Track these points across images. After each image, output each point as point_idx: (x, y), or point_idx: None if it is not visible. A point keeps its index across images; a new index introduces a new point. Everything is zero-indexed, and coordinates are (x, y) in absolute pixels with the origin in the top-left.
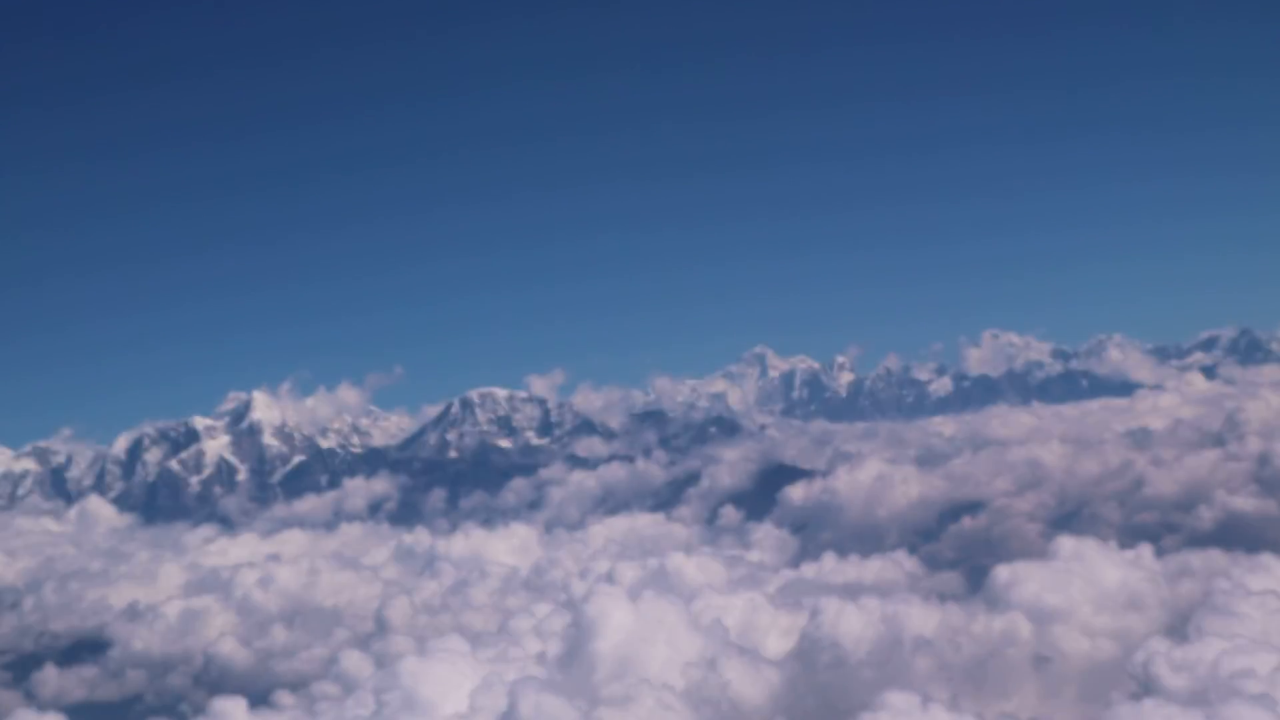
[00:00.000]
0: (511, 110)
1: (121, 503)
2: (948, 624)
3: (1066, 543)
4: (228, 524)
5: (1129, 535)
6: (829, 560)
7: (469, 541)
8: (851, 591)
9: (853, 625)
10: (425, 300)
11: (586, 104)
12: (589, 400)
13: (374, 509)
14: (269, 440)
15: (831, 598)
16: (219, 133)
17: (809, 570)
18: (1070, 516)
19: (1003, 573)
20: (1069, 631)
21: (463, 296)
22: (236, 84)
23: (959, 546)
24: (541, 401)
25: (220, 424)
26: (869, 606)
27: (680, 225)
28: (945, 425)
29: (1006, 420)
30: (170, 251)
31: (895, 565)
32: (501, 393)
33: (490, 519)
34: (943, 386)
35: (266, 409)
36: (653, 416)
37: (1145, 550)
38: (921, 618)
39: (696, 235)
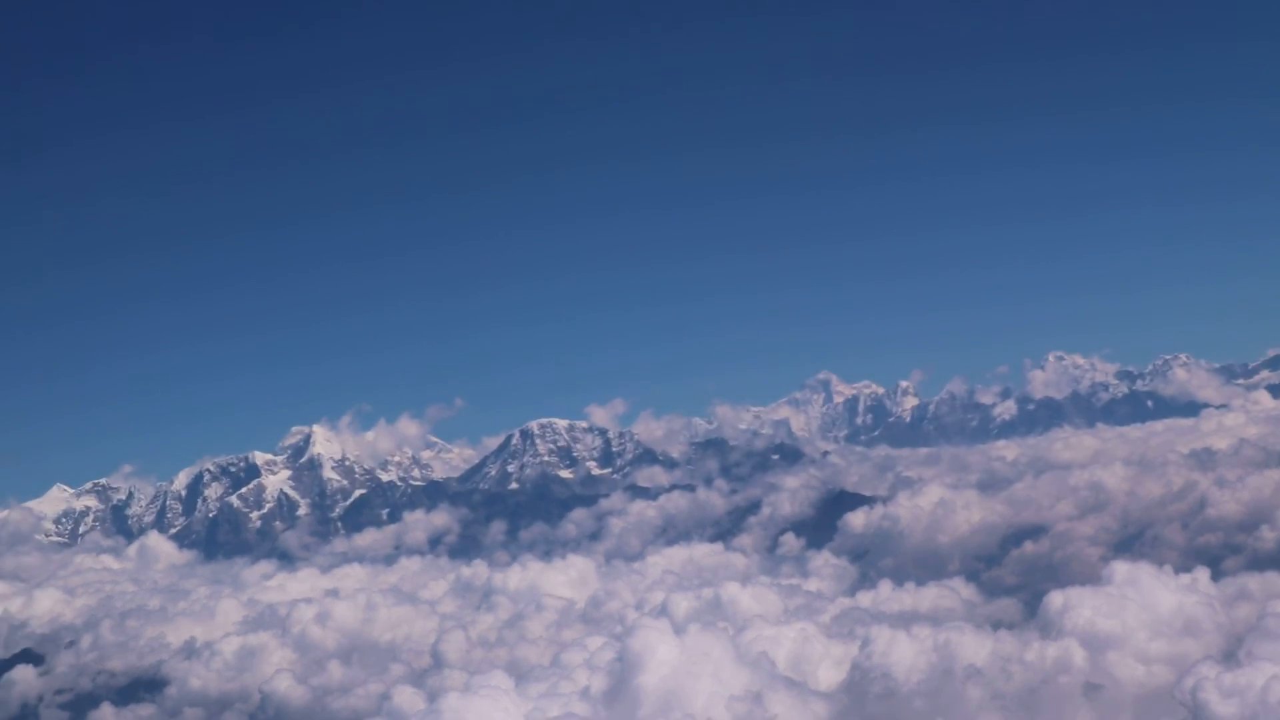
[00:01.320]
0: (572, 138)
1: (182, 539)
2: (1000, 652)
3: (1121, 567)
4: (289, 559)
5: (1191, 557)
6: (885, 588)
7: (526, 574)
8: (907, 620)
9: (904, 654)
10: (485, 331)
11: (647, 130)
12: (650, 429)
13: (434, 542)
14: (329, 474)
15: (883, 627)
16: (278, 163)
17: (865, 599)
18: (1132, 540)
19: (1056, 599)
20: (1123, 658)
21: (523, 327)
22: (288, 114)
23: (1021, 572)
24: (602, 431)
25: (281, 459)
26: (921, 635)
27: (742, 252)
28: (1008, 449)
29: (1070, 443)
30: (228, 285)
31: (952, 592)
32: (562, 423)
33: (551, 550)
34: (1007, 410)
35: (327, 443)
36: (714, 445)
37: (1202, 574)
38: (974, 646)
39: (758, 262)
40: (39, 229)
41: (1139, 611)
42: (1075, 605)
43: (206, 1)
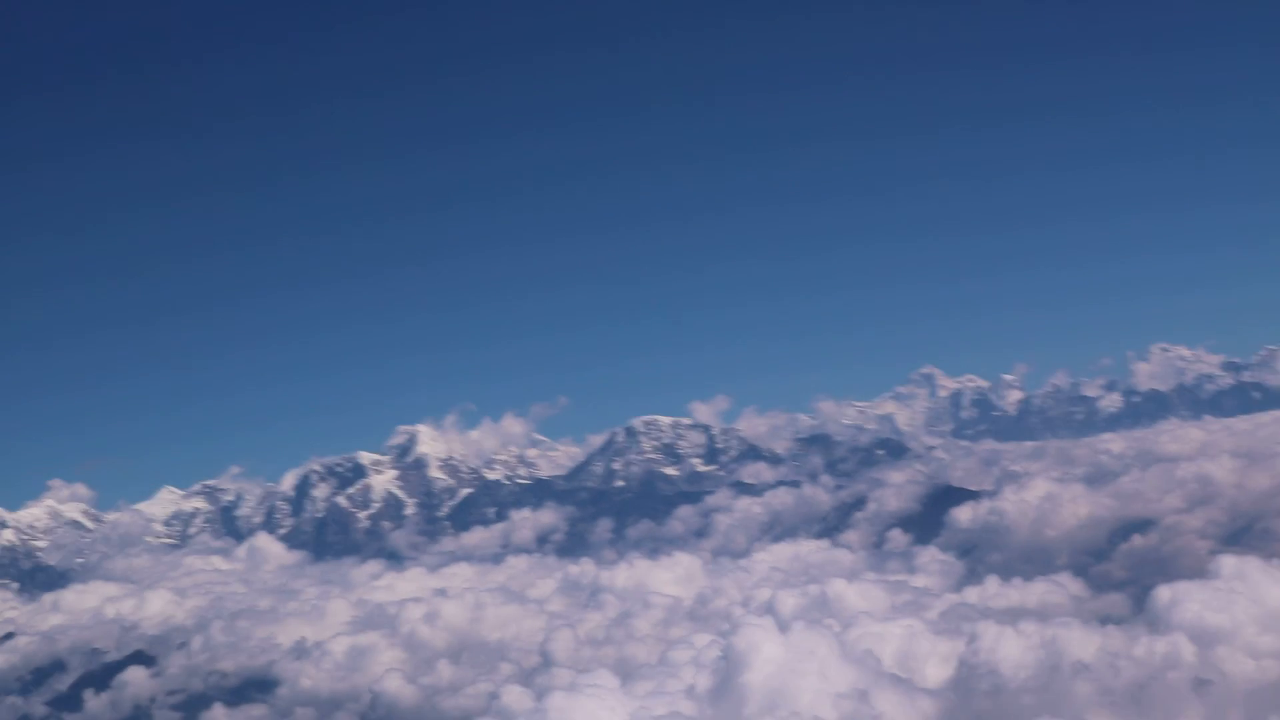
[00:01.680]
0: (675, 134)
1: (290, 540)
2: (1108, 647)
3: (1229, 561)
4: (396, 559)
5: None
6: (992, 584)
7: (633, 572)
8: (1014, 616)
9: (1011, 651)
10: (589, 328)
11: (750, 126)
12: (753, 425)
13: (541, 540)
14: (435, 474)
15: (990, 623)
16: (371, 157)
17: (972, 595)
18: (1242, 532)
19: (1164, 593)
20: (1233, 653)
21: (626, 324)
22: (375, 108)
23: (1129, 566)
24: (706, 428)
25: (387, 459)
26: (1028, 631)
27: (844, 248)
28: (1114, 442)
29: (1176, 435)
30: (332, 284)
31: (1059, 588)
32: (666, 420)
33: (657, 548)
34: (1112, 402)
35: (432, 442)
36: (818, 440)
37: None
38: (1082, 641)
39: (861, 257)
40: (142, 224)
41: (1248, 605)
42: (1183, 600)
43: None
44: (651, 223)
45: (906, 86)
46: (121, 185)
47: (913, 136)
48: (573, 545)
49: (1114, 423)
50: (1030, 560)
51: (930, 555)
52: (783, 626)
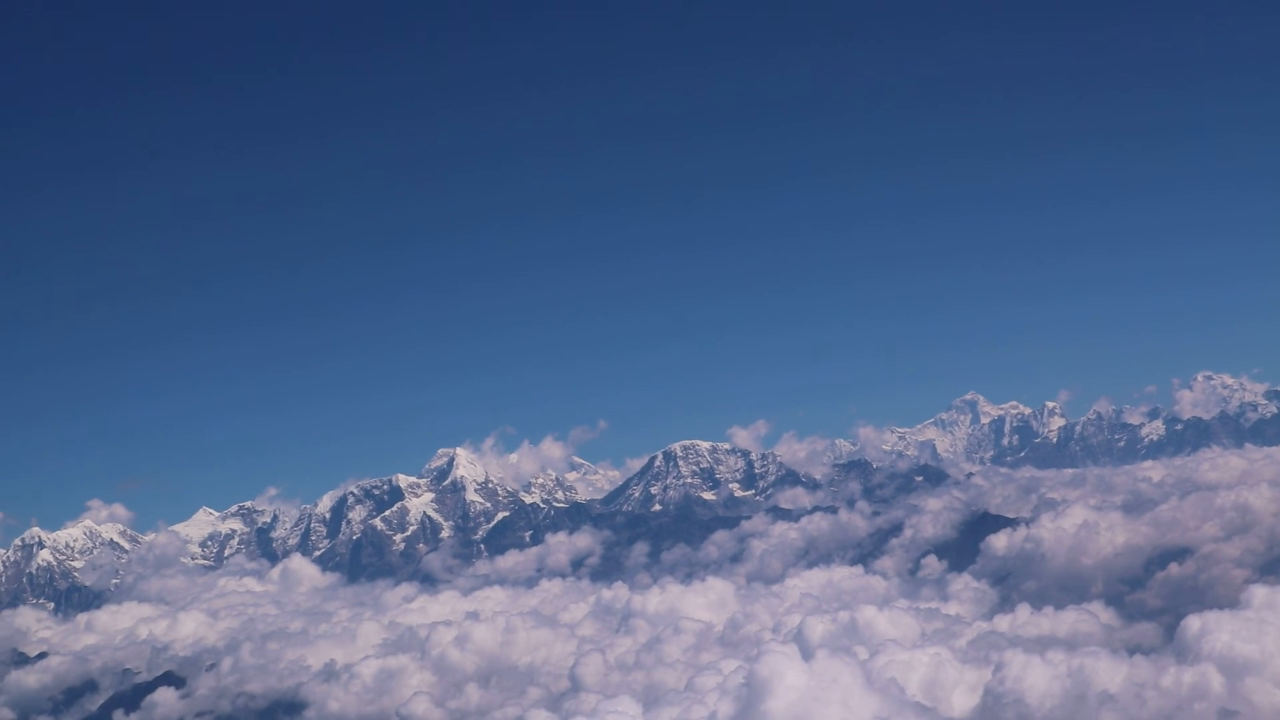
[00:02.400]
0: (711, 164)
1: (326, 561)
2: (1135, 677)
3: (1260, 591)
4: (431, 581)
5: None
6: (1023, 612)
7: (665, 597)
8: (1045, 645)
9: (1038, 680)
10: (629, 353)
11: (788, 157)
12: (793, 451)
13: (577, 564)
14: (472, 497)
15: (1017, 652)
16: (414, 182)
17: (1003, 623)
18: (1278, 562)
19: (1193, 623)
20: (1261, 684)
21: (666, 349)
22: (422, 132)
23: (1165, 595)
24: (745, 453)
25: (424, 481)
26: (1055, 660)
27: (890, 274)
28: (1154, 470)
29: (1217, 464)
30: (370, 306)
31: (1090, 616)
32: (705, 445)
33: (692, 573)
34: (1155, 430)
35: (470, 465)
36: (857, 466)
37: None
38: (1109, 671)
39: (907, 284)
40: (180, 245)
41: (1278, 636)
42: (1213, 630)
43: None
44: (694, 248)
45: (950, 113)
46: (158, 205)
47: (959, 163)
48: (608, 569)
49: (1156, 450)
50: (1065, 588)
51: (964, 583)
52: (811, 653)
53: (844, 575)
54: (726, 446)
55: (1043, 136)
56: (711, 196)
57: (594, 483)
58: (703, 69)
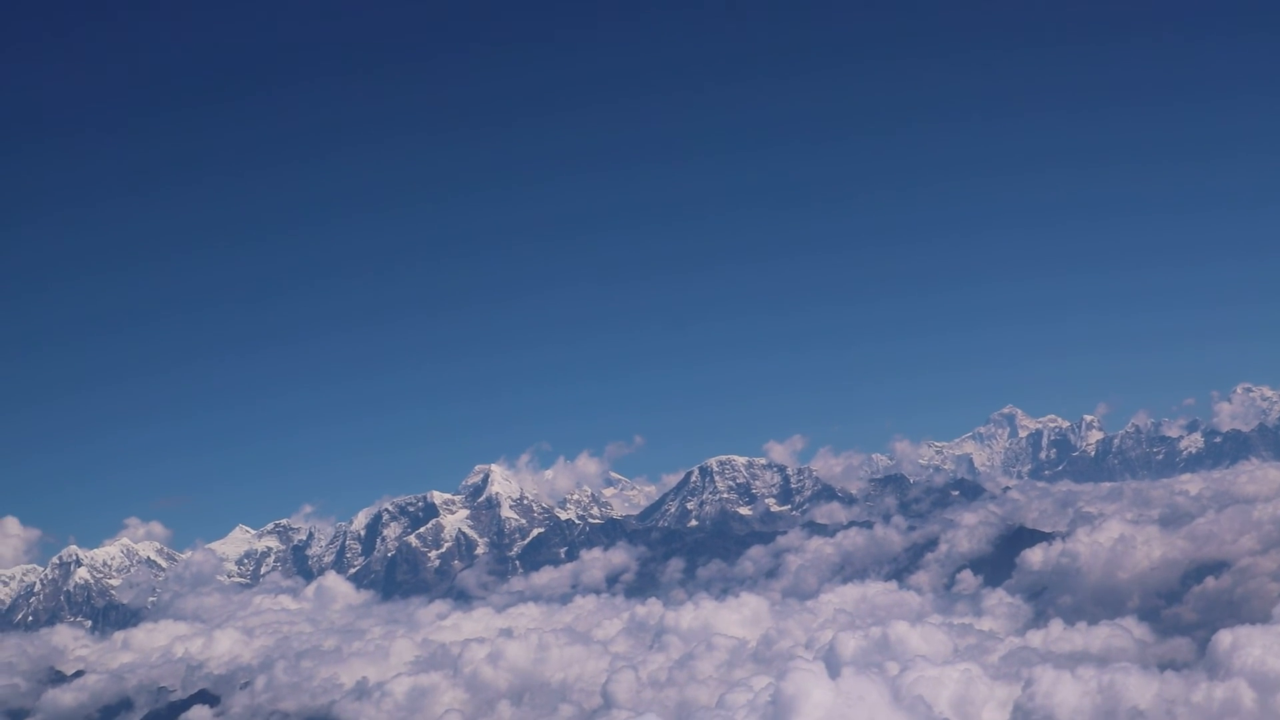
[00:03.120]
0: (754, 180)
1: (361, 578)
2: (1166, 693)
3: None
4: (466, 598)
5: None
6: (1055, 628)
7: (699, 613)
8: (1077, 660)
9: (1068, 696)
10: (665, 368)
11: (822, 172)
12: (829, 466)
13: (612, 581)
14: (507, 513)
15: (1047, 667)
16: (444, 196)
17: (1035, 638)
18: None
19: (1225, 638)
20: None
21: (703, 364)
22: (445, 147)
23: (1202, 609)
24: (781, 468)
25: (459, 498)
26: (1085, 676)
27: (929, 290)
28: (1192, 483)
29: (1255, 476)
30: (405, 321)
31: (1124, 632)
32: (741, 460)
33: (728, 588)
34: (1193, 443)
35: (505, 482)
36: (893, 481)
37: None
38: (1139, 687)
39: (946, 299)
40: (213, 265)
41: None
42: (1244, 644)
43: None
44: (733, 264)
45: (983, 128)
46: (190, 222)
47: (998, 178)
48: (643, 585)
49: (1194, 463)
50: (1101, 603)
51: (998, 598)
52: (842, 669)
53: (878, 590)
54: (762, 462)
55: (1082, 150)
56: (748, 213)
57: (631, 498)
58: (741, 85)
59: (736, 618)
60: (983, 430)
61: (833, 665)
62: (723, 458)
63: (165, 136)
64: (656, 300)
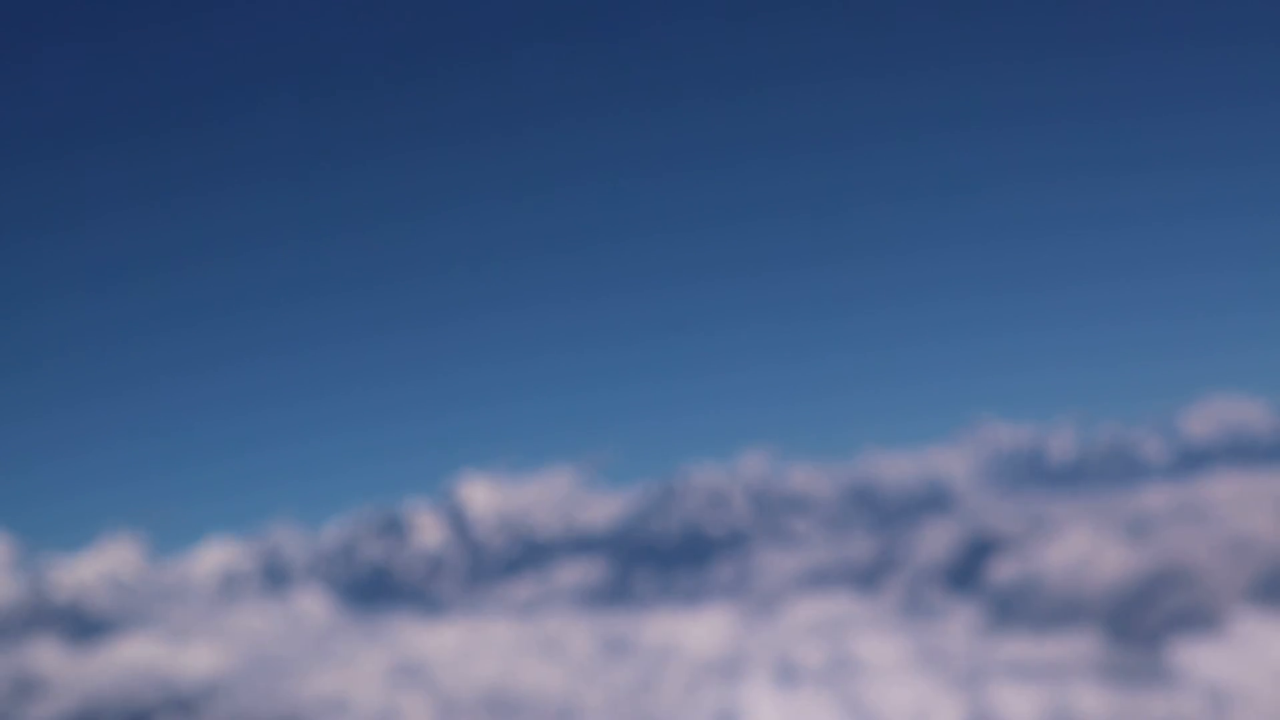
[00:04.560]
0: (723, 193)
1: (335, 590)
2: (1117, 705)
3: (1246, 617)
4: (439, 610)
5: None
6: (1014, 639)
7: (665, 625)
8: (1034, 672)
9: (1019, 708)
10: (637, 380)
11: (798, 188)
12: (799, 476)
13: (583, 592)
14: (481, 524)
15: (999, 679)
16: (418, 213)
17: (995, 650)
18: (1279, 587)
19: (1178, 650)
20: (1246, 713)
21: (675, 375)
22: (422, 163)
23: (1162, 620)
24: (752, 478)
25: (432, 509)
26: (1036, 689)
27: (895, 299)
28: (1159, 494)
29: (1223, 487)
30: (383, 335)
31: (1084, 643)
32: (712, 469)
33: (698, 599)
34: (1161, 453)
35: (480, 491)
36: (862, 491)
37: None
38: (1090, 699)
39: (916, 308)
40: (194, 278)
41: (1265, 663)
42: (1198, 657)
43: None
44: (705, 276)
45: (955, 139)
46: (159, 242)
47: (971, 189)
48: (614, 597)
49: (1164, 474)
50: (1064, 614)
51: (962, 609)
52: (800, 682)
53: (842, 602)
54: (734, 471)
55: (1049, 162)
56: (718, 225)
57: (604, 508)
58: (714, 98)
59: (702, 630)
60: (954, 440)
61: (792, 677)
62: (694, 467)
63: (132, 156)
64: (630, 310)
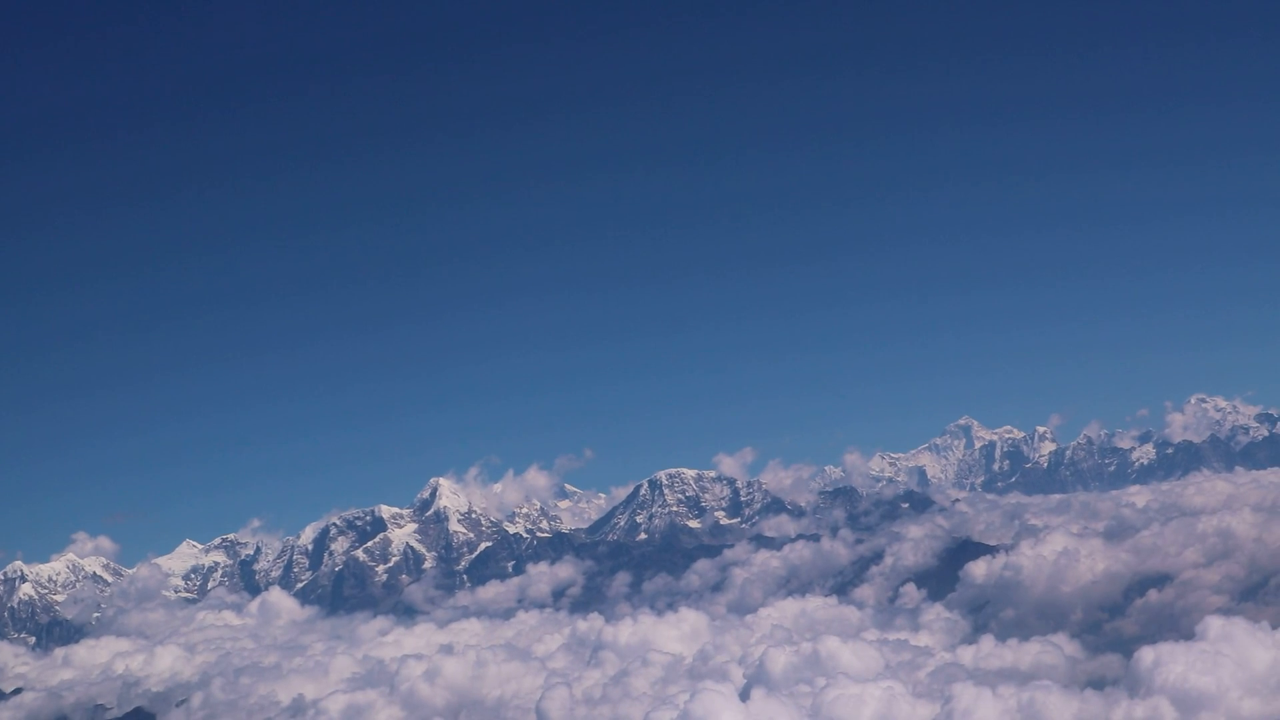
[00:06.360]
0: (704, 189)
1: (308, 593)
2: (1086, 712)
3: (1215, 623)
4: (412, 613)
5: None
6: (987, 644)
7: (638, 628)
8: (1005, 677)
9: (987, 714)
10: (614, 382)
11: (773, 186)
12: (779, 479)
13: (558, 595)
14: (455, 527)
15: (967, 685)
16: (398, 210)
17: (965, 655)
18: (1257, 588)
19: (1147, 655)
20: (1214, 718)
21: (652, 377)
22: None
23: (1144, 622)
24: (731, 481)
25: (407, 512)
26: (1005, 694)
27: (879, 301)
28: (1139, 495)
29: (1203, 488)
30: (353, 337)
31: (1055, 648)
32: (690, 473)
33: (674, 602)
34: (1145, 454)
35: (453, 496)
36: (843, 494)
37: None
38: (1059, 705)
39: (897, 310)
40: (166, 279)
41: (1234, 669)
42: (1166, 662)
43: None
44: (684, 276)
45: (937, 139)
46: (128, 244)
47: (950, 188)
48: (589, 600)
49: (1146, 475)
50: (1044, 616)
51: (936, 612)
52: (766, 687)
53: (818, 605)
54: (712, 474)
55: (1034, 160)
56: (697, 225)
57: (580, 512)
58: (687, 95)
59: (675, 633)
60: (939, 441)
61: (762, 682)
62: (672, 471)
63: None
64: (607, 313)
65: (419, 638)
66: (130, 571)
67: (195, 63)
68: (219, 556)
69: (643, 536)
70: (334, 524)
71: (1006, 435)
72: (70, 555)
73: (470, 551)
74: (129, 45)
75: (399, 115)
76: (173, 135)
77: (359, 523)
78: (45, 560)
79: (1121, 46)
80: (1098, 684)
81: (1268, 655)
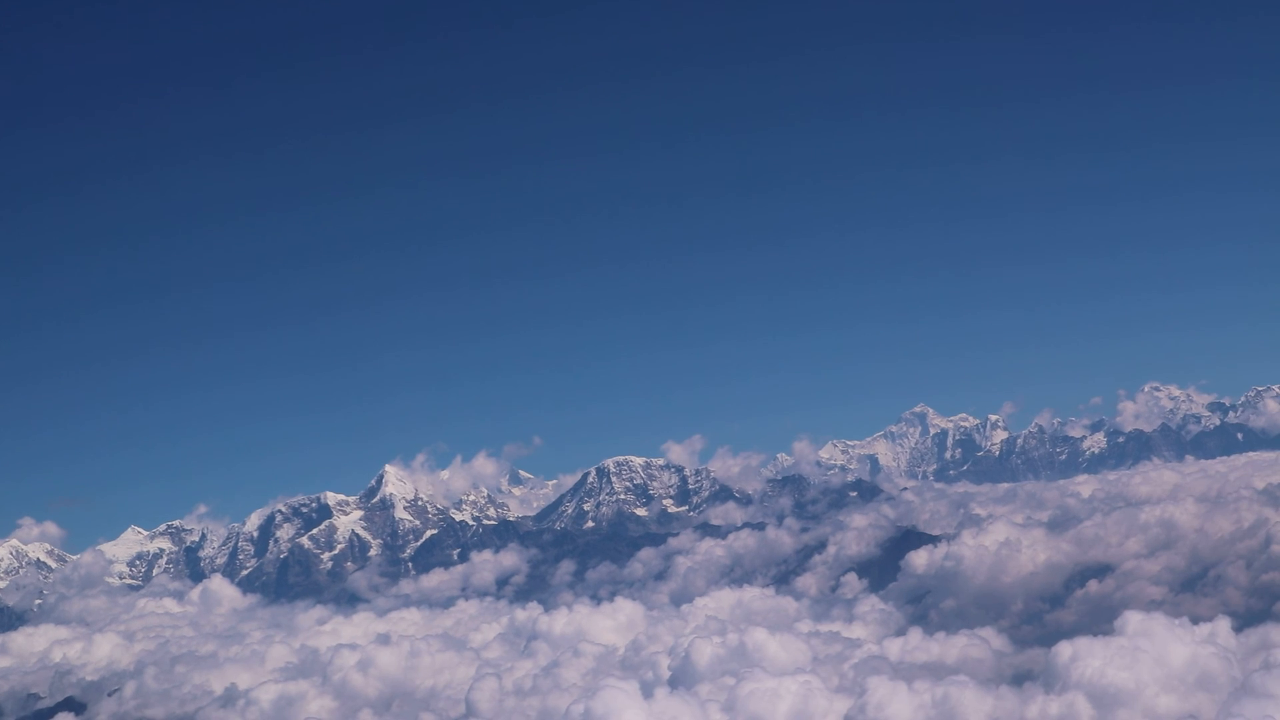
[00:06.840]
0: (659, 175)
1: (252, 581)
2: (1001, 707)
3: (1134, 617)
4: (356, 601)
5: (1254, 597)
6: (914, 636)
7: (573, 618)
8: (929, 671)
9: (901, 709)
10: (564, 368)
11: (731, 168)
12: (727, 466)
13: (502, 583)
14: (401, 515)
15: (883, 679)
16: (345, 196)
17: (892, 648)
18: (1196, 579)
19: (1065, 650)
20: (1131, 714)
21: (601, 363)
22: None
23: (1084, 613)
24: (679, 469)
25: (353, 499)
26: (921, 689)
27: (841, 284)
28: (1086, 485)
29: (1150, 478)
30: (299, 324)
31: (982, 642)
32: (638, 460)
33: (617, 591)
34: (1096, 443)
35: (400, 483)
36: (791, 482)
37: (1222, 625)
38: (975, 701)
39: (858, 294)
40: (115, 264)
41: (1151, 664)
42: (1084, 657)
43: None
44: (633, 261)
45: (901, 123)
46: (66, 229)
47: (908, 173)
48: (532, 588)
49: (1097, 464)
50: (984, 607)
51: (872, 603)
52: (692, 678)
53: (755, 595)
54: (660, 462)
55: (988, 146)
56: (646, 210)
57: (527, 499)
58: (665, 75)
59: (610, 623)
60: (894, 429)
61: (686, 674)
62: (620, 458)
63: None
64: (555, 299)
65: (357, 627)
66: (74, 558)
67: (152, 42)
68: (164, 543)
69: (590, 524)
70: (280, 511)
71: (961, 423)
72: (14, 541)
73: (416, 539)
74: (69, 32)
75: (353, 98)
76: (117, 118)
77: (305, 510)
78: None
79: (1083, 30)
80: (1024, 678)
81: (1186, 651)
